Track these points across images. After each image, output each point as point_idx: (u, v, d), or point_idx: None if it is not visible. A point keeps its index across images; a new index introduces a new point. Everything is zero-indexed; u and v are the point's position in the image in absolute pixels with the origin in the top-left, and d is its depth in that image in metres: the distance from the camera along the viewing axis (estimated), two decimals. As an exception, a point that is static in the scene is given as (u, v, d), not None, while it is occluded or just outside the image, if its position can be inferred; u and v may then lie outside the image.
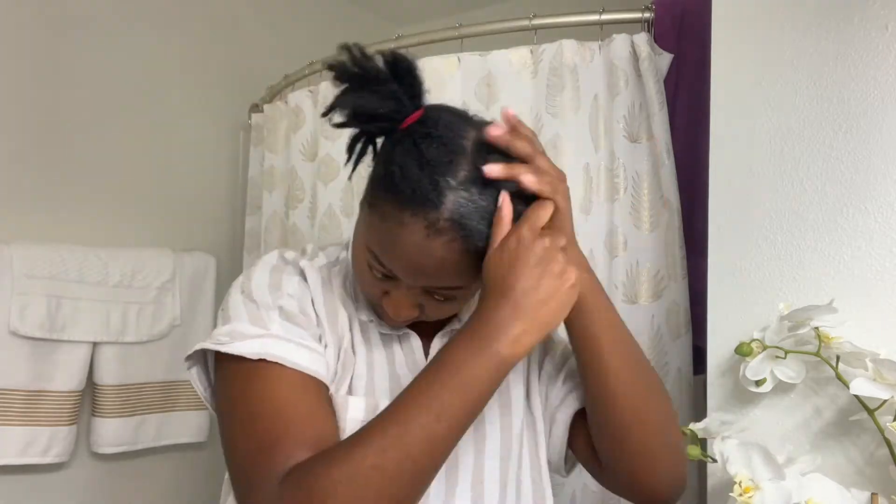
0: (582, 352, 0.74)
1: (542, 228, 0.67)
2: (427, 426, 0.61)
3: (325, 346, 0.76)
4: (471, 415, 0.64)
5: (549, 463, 0.84)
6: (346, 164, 0.73)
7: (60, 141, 1.57)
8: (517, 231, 0.65)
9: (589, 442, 0.80)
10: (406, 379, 0.76)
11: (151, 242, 1.71)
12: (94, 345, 1.53)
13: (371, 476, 0.60)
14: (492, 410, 0.80)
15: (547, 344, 0.87)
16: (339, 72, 0.68)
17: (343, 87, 0.68)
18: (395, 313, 0.73)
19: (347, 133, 0.74)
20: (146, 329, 1.62)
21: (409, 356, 0.80)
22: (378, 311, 0.77)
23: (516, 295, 0.64)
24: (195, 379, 0.77)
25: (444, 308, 0.74)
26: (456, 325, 0.82)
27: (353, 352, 0.77)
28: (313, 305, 0.77)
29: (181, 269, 1.71)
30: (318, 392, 0.71)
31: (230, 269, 1.91)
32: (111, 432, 1.56)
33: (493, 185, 0.66)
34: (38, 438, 1.44)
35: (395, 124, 0.68)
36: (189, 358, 0.76)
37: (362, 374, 0.76)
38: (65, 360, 1.48)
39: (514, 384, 0.83)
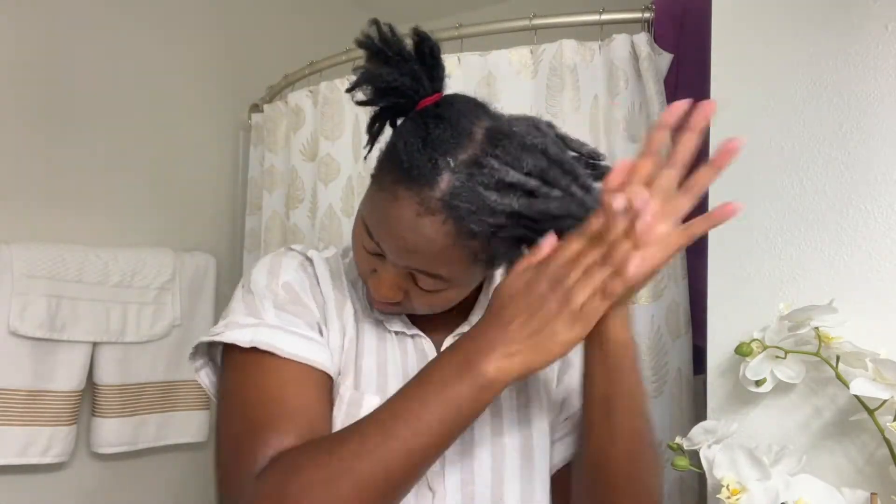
0: (590, 412, 0.72)
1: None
2: (406, 440, 0.61)
3: (329, 332, 0.75)
4: (452, 433, 0.63)
5: None
6: (364, 145, 0.74)
7: (60, 141, 1.57)
8: (542, 266, 0.63)
9: (565, 485, 0.80)
10: None
11: (151, 242, 1.71)
12: (94, 345, 1.53)
13: (342, 480, 0.59)
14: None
15: (564, 363, 0.86)
16: (366, 46, 0.69)
17: (368, 63, 0.69)
18: (376, 291, 0.72)
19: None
20: (146, 329, 1.62)
21: (421, 357, 0.79)
22: (367, 292, 0.77)
23: (511, 323, 0.62)
24: (204, 380, 0.77)
25: (428, 299, 0.72)
26: (464, 328, 0.80)
27: (359, 345, 0.77)
28: (319, 288, 0.77)
29: (181, 269, 1.71)
30: (315, 382, 0.71)
31: (230, 269, 1.91)
32: (111, 432, 1.56)
33: (496, 177, 0.64)
34: (38, 438, 1.44)
35: (410, 103, 0.69)
36: (195, 357, 0.76)
37: (372, 371, 0.76)
38: (65, 360, 1.48)
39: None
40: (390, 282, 0.71)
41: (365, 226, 0.71)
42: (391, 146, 0.69)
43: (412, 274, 0.70)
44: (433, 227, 0.65)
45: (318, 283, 0.78)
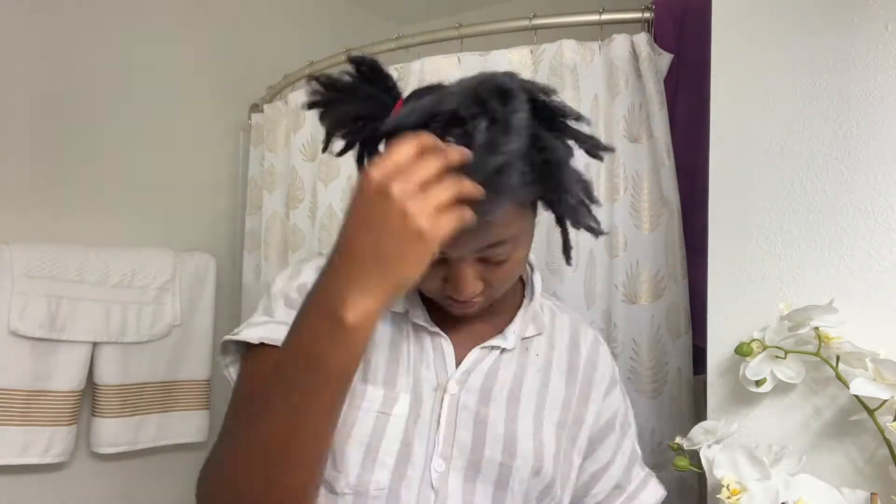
0: None
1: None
2: (281, 408, 0.59)
3: None
4: (331, 395, 0.60)
5: None
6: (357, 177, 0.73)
7: (60, 141, 1.57)
8: (365, 177, 0.56)
9: None
10: (429, 382, 0.76)
11: (151, 242, 1.71)
12: (94, 345, 1.53)
13: (227, 463, 0.63)
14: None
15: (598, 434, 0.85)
16: (318, 104, 0.70)
17: (325, 115, 0.70)
18: (463, 291, 0.70)
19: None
20: (146, 329, 1.62)
21: (439, 356, 0.78)
22: (447, 305, 0.75)
23: (354, 255, 0.57)
24: (232, 376, 0.79)
25: (504, 272, 0.71)
26: (497, 342, 0.80)
27: (373, 340, 0.77)
28: None
29: (181, 269, 1.71)
30: None
31: (230, 269, 1.91)
32: (111, 432, 1.56)
33: (490, 117, 0.60)
34: (38, 438, 1.44)
35: (380, 122, 0.68)
36: (224, 354, 0.79)
37: (381, 363, 0.76)
38: (65, 360, 1.48)
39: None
40: (468, 276, 0.70)
41: None
42: None
43: (482, 258, 0.69)
44: None
45: None
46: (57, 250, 1.49)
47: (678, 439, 0.87)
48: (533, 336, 0.83)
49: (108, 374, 1.55)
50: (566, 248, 0.75)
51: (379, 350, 0.77)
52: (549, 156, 0.64)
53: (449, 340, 0.79)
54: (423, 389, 0.76)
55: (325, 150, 0.72)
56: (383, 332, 0.78)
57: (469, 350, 0.79)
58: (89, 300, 1.51)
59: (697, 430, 0.86)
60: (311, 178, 1.66)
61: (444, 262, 0.70)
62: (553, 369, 0.83)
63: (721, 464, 0.79)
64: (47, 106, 1.55)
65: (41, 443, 1.44)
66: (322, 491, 0.73)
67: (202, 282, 1.77)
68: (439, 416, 0.75)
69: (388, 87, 0.70)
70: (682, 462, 0.86)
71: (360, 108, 0.69)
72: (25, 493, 1.49)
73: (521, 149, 0.59)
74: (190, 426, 1.72)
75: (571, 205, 0.67)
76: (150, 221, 1.74)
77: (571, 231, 0.73)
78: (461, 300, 0.72)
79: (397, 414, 0.74)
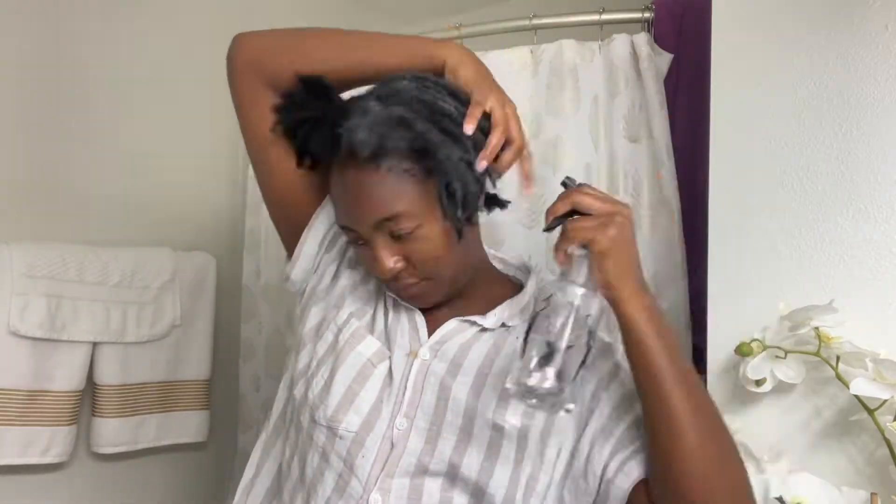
0: (645, 394, 0.70)
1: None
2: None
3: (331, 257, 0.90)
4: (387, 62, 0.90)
5: None
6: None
7: (60, 140, 1.57)
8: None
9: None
10: (402, 348, 0.82)
11: (151, 242, 1.71)
12: (94, 345, 1.53)
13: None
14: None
15: (594, 398, 0.80)
16: (283, 117, 0.86)
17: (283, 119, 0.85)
18: (381, 268, 0.77)
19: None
20: (146, 329, 1.62)
21: (413, 331, 0.83)
22: (396, 292, 0.83)
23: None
24: None
25: (419, 248, 0.76)
26: (476, 318, 0.82)
27: (377, 302, 0.87)
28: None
29: (181, 269, 1.71)
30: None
31: (230, 269, 1.91)
32: (111, 432, 1.56)
33: (384, 102, 0.74)
34: (38, 438, 1.44)
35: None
36: None
37: (379, 322, 0.84)
38: (65, 360, 1.48)
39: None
40: (383, 254, 0.76)
41: (339, 227, 0.81)
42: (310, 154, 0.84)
43: (391, 234, 0.75)
44: (371, 175, 0.73)
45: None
46: (57, 250, 1.49)
47: None
48: (517, 325, 0.84)
49: (108, 374, 1.55)
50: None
51: (379, 310, 0.85)
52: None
53: (422, 316, 0.84)
54: (396, 355, 0.81)
55: (299, 166, 0.85)
56: (373, 296, 0.87)
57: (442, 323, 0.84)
58: (89, 300, 1.51)
59: None
60: (311, 178, 1.66)
61: (366, 242, 0.77)
62: None
63: None
64: (47, 106, 1.55)
65: (41, 443, 1.44)
66: (306, 416, 0.81)
67: (202, 282, 1.76)
68: (407, 379, 0.79)
69: (330, 97, 0.82)
70: None
71: (313, 108, 0.81)
72: (25, 493, 1.49)
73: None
74: (190, 426, 1.72)
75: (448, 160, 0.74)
76: (149, 221, 1.73)
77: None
78: (384, 279, 0.79)
79: (380, 369, 0.79)
